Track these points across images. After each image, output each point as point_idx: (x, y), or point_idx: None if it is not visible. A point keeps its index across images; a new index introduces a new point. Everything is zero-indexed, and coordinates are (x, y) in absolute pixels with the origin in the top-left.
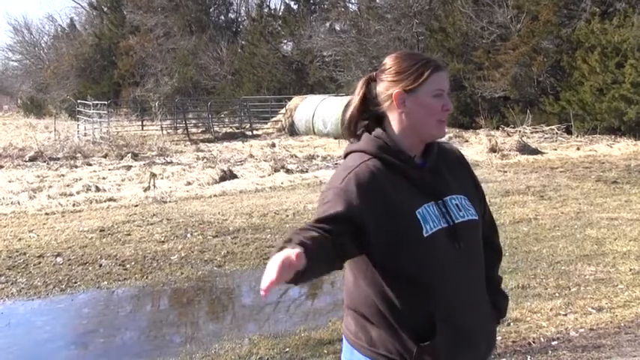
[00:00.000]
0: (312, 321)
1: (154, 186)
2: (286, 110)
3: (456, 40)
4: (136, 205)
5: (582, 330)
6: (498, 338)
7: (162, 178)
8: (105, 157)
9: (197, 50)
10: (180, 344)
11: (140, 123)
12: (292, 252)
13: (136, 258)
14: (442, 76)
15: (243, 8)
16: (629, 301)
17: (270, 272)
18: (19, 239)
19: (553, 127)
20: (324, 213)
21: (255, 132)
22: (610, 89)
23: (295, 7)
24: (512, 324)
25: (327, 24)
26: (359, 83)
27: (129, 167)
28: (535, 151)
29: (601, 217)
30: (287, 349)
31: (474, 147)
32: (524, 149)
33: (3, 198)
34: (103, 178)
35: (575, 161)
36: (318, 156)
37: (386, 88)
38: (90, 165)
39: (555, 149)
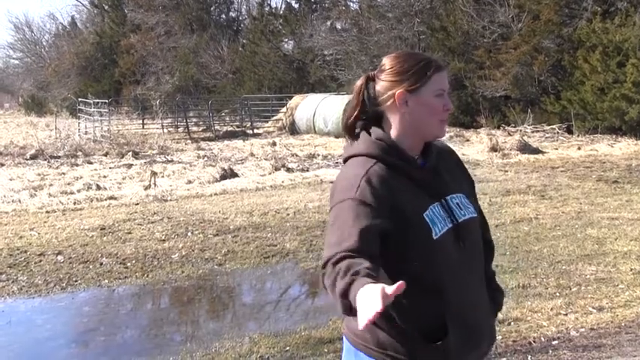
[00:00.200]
0: (313, 320)
1: (155, 184)
2: (287, 109)
3: (457, 39)
4: (137, 204)
5: (583, 330)
6: (499, 337)
7: (162, 177)
8: (106, 155)
9: (198, 49)
10: (181, 343)
11: (141, 121)
12: (392, 287)
13: (137, 256)
14: (443, 76)
15: (244, 7)
16: (630, 300)
17: (374, 304)
18: (20, 237)
19: (554, 126)
20: (354, 235)
21: (255, 131)
22: (611, 89)
23: (296, 5)
24: (512, 323)
25: (328, 23)
26: (357, 83)
27: (130, 165)
28: (536, 151)
29: (602, 216)
30: (287, 348)
31: (475, 146)
32: (525, 149)
33: (4, 196)
34: (104, 177)
35: (576, 161)
36: (318, 155)
37: (387, 88)
38: (91, 163)
39: (556, 149)
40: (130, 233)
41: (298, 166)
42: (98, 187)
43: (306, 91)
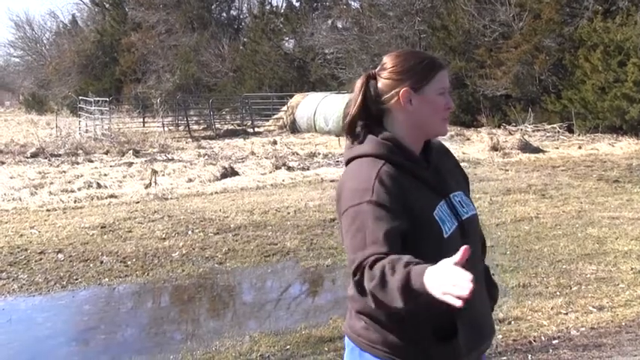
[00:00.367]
0: (313, 318)
1: (155, 183)
2: (288, 108)
3: (458, 38)
4: (137, 202)
5: (583, 329)
6: (499, 336)
7: (163, 175)
8: (106, 153)
9: (199, 47)
10: (181, 341)
11: (141, 120)
12: (457, 254)
13: (137, 255)
14: (445, 75)
15: (245, 5)
16: (630, 300)
17: (459, 276)
18: (21, 235)
19: (555, 125)
20: (380, 238)
21: (256, 129)
22: (612, 88)
23: (297, 4)
24: (513, 322)
25: (329, 21)
26: (358, 82)
27: (130, 164)
28: (537, 150)
29: (602, 216)
30: (288, 347)
31: (476, 145)
32: (526, 148)
33: (4, 194)
34: (105, 175)
35: (576, 160)
36: (319, 153)
37: (390, 86)
38: (91, 161)
39: (557, 148)
40: (130, 232)
41: (299, 164)
42: (99, 186)
43: (307, 89)
